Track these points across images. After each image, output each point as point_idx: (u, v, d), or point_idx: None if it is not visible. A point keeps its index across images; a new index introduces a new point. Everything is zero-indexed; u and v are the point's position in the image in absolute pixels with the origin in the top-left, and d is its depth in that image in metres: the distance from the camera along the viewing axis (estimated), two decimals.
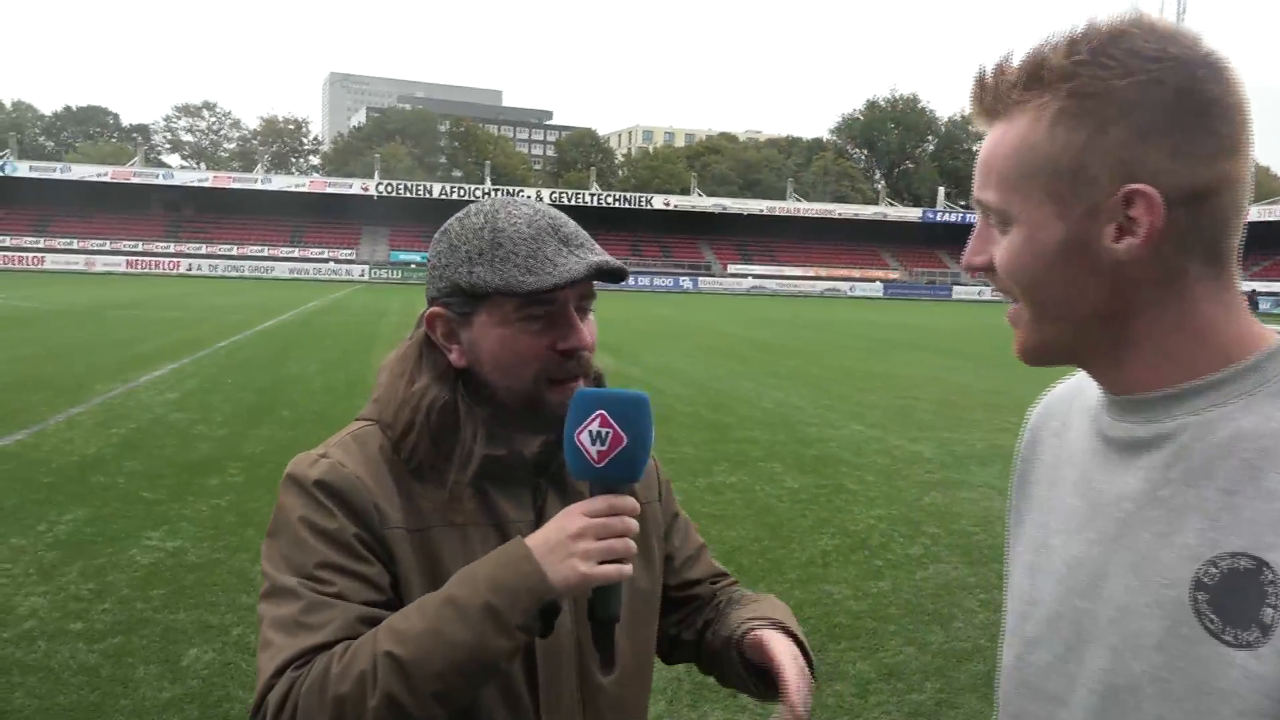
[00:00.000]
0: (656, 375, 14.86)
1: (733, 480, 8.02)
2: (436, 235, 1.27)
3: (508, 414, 1.23)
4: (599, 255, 1.22)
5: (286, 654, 1.09)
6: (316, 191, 69.05)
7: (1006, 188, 0.91)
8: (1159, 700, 0.84)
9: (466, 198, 68.90)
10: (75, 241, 61.78)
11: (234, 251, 64.07)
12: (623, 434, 1.09)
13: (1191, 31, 0.87)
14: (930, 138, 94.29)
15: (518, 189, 67.02)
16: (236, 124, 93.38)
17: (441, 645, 1.05)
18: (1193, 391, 0.88)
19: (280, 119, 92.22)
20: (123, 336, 18.67)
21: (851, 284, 68.74)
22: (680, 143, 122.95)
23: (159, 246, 63.65)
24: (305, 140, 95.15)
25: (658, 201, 72.82)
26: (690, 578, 1.45)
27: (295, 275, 61.46)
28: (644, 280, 62.34)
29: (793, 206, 74.65)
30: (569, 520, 1.09)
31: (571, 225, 1.24)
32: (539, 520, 1.19)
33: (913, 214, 75.92)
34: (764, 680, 1.30)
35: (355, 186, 69.01)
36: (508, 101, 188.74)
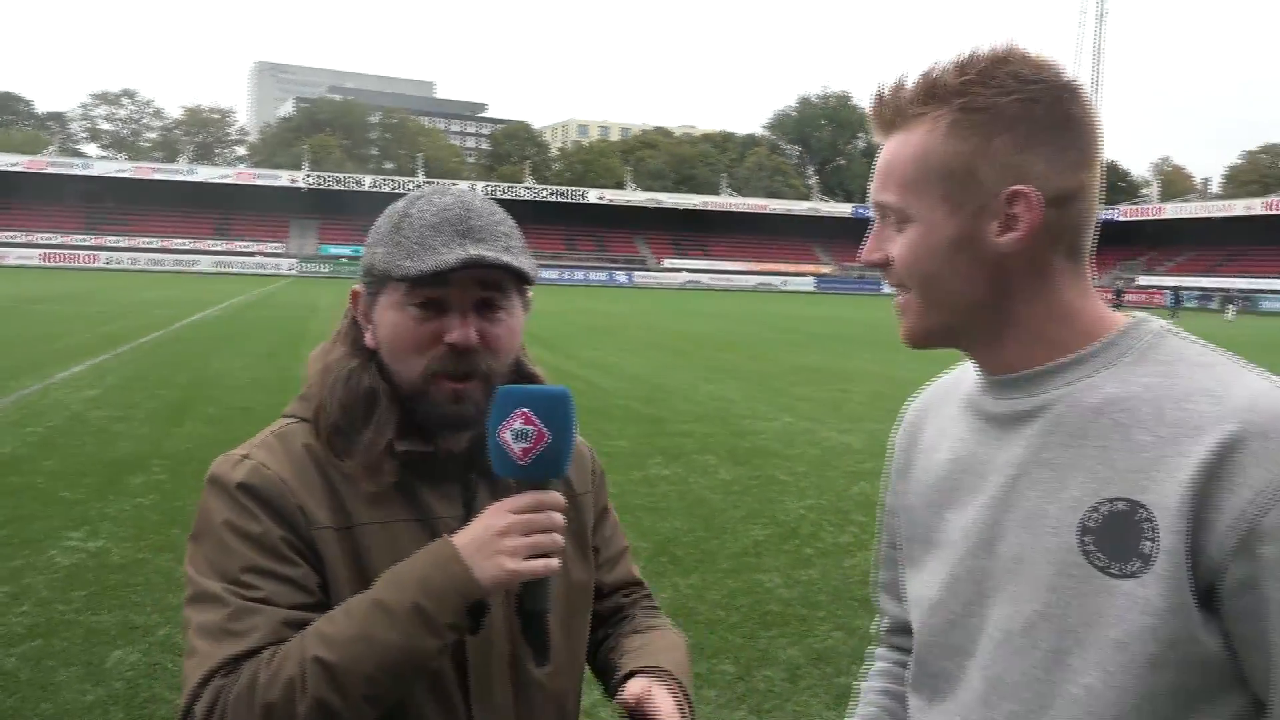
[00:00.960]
0: (592, 370, 14.87)
1: (667, 473, 8.09)
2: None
3: (406, 403, 1.22)
4: (488, 250, 1.17)
5: (212, 662, 1.08)
6: (243, 183, 67.51)
7: (906, 190, 1.02)
8: (1055, 635, 0.96)
9: (398, 190, 67.91)
10: None
11: (156, 245, 62.27)
12: (546, 431, 1.10)
13: (1057, 62, 1.01)
14: (861, 134, 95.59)
15: (451, 183, 66.23)
16: (158, 113, 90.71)
17: (371, 648, 1.05)
18: (1064, 367, 1.02)
19: (204, 108, 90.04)
20: (39, 332, 18.02)
21: (784, 278, 69.55)
22: (615, 137, 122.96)
23: (76, 239, 61.52)
24: (231, 130, 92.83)
25: (592, 195, 72.82)
26: (604, 582, 1.43)
27: (221, 269, 60.01)
28: (578, 274, 62.29)
29: (727, 201, 75.19)
30: (495, 518, 1.10)
31: (486, 220, 1.20)
32: (468, 515, 1.17)
33: (844, 209, 77.14)
34: None
35: (284, 178, 67.63)
36: (440, 93, 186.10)
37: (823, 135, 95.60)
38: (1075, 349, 1.01)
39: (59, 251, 59.18)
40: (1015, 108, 0.97)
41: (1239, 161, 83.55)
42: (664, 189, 78.35)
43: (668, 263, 70.95)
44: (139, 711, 3.72)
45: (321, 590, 1.15)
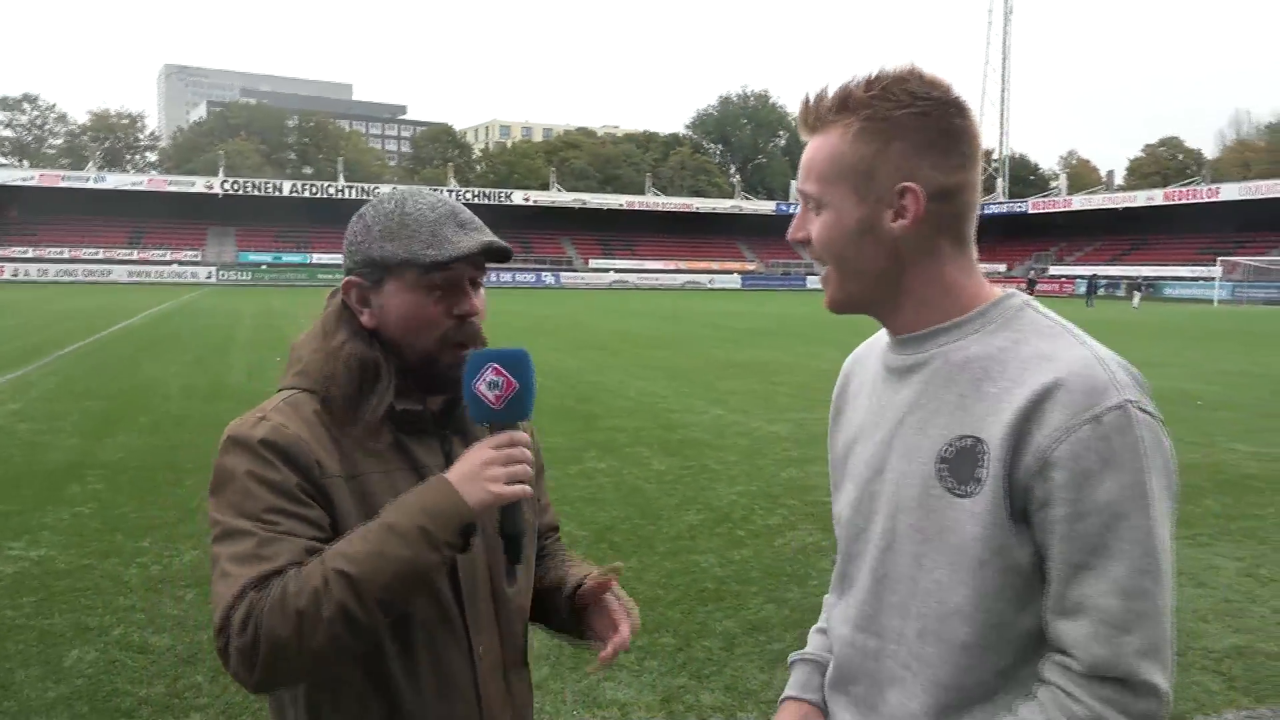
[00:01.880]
0: None
1: (603, 466, 8.35)
2: (353, 219, 1.52)
3: (409, 370, 1.47)
4: (490, 237, 1.47)
5: (245, 579, 1.29)
6: (156, 190, 65.45)
7: (822, 182, 1.28)
8: (916, 542, 1.25)
9: (319, 195, 66.81)
10: None
11: (66, 255, 60.13)
12: (514, 381, 1.36)
13: (947, 81, 1.27)
14: (782, 132, 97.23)
15: (374, 186, 65.33)
16: (63, 118, 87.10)
17: (385, 562, 1.28)
18: (943, 330, 1.27)
19: (112, 113, 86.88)
20: None
21: (711, 276, 70.25)
22: (538, 138, 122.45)
23: None
24: (141, 136, 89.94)
25: (517, 197, 72.46)
26: (540, 524, 1.72)
27: (136, 279, 58.17)
28: (505, 276, 61.96)
29: (651, 201, 75.61)
30: (478, 453, 1.36)
31: (468, 213, 1.48)
32: (448, 463, 1.40)
33: (767, 207, 78.26)
34: (582, 622, 1.61)
35: (199, 184, 65.75)
36: (358, 95, 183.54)
37: (744, 134, 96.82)
38: (954, 316, 1.26)
39: None
40: (910, 119, 1.21)
41: (1140, 155, 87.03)
42: (589, 189, 78.46)
43: (595, 263, 71.07)
44: (105, 704, 3.84)
45: (332, 529, 1.37)
